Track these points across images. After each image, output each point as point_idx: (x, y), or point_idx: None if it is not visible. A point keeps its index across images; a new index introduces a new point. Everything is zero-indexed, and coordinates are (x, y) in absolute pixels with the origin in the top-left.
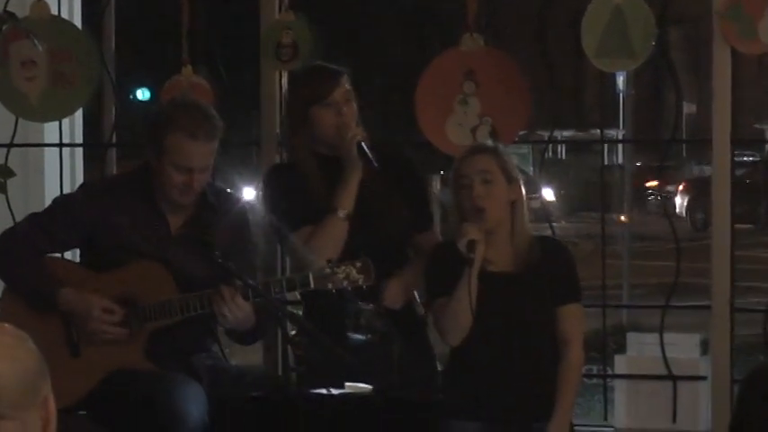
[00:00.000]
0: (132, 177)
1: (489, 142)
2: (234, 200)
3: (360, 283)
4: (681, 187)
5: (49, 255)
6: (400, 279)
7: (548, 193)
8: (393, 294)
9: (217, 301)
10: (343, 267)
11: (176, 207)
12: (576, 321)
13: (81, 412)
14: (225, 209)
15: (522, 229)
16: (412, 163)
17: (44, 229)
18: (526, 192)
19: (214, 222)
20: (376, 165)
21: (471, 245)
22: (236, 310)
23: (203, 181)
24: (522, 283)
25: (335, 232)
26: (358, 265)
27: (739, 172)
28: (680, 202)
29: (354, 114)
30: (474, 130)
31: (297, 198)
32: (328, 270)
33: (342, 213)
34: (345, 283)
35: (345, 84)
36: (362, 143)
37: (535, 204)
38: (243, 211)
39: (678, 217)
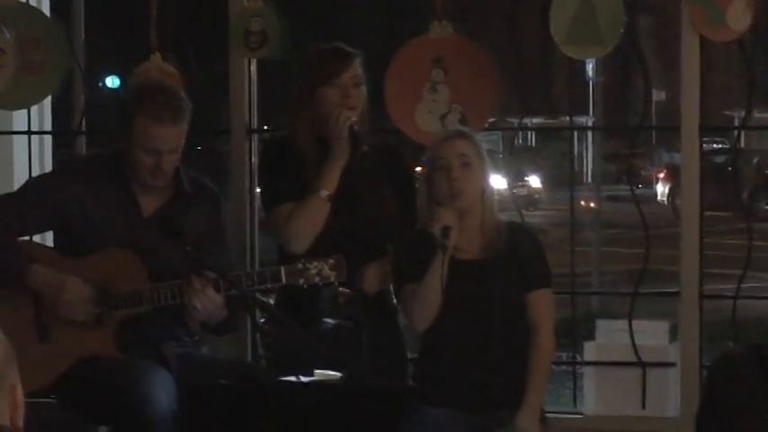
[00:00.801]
0: (105, 159)
1: (465, 129)
2: (209, 190)
3: (332, 279)
4: (662, 175)
5: (21, 238)
6: (380, 266)
7: (534, 181)
8: (372, 279)
9: (188, 293)
10: (316, 263)
11: (149, 191)
12: (545, 306)
13: (49, 398)
14: (199, 198)
15: (491, 216)
16: (402, 157)
17: (16, 209)
18: (514, 179)
19: (187, 211)
20: (366, 149)
21: (446, 230)
22: (207, 302)
23: (173, 162)
24: (491, 269)
25: (315, 212)
26: (330, 261)
27: (720, 159)
28: (661, 189)
29: (362, 99)
30: (443, 118)
31: (286, 174)
32: (300, 266)
33: (323, 194)
34: (317, 279)
35: (357, 67)
36: (355, 128)
37: (521, 192)
38: (217, 202)
39: (659, 204)
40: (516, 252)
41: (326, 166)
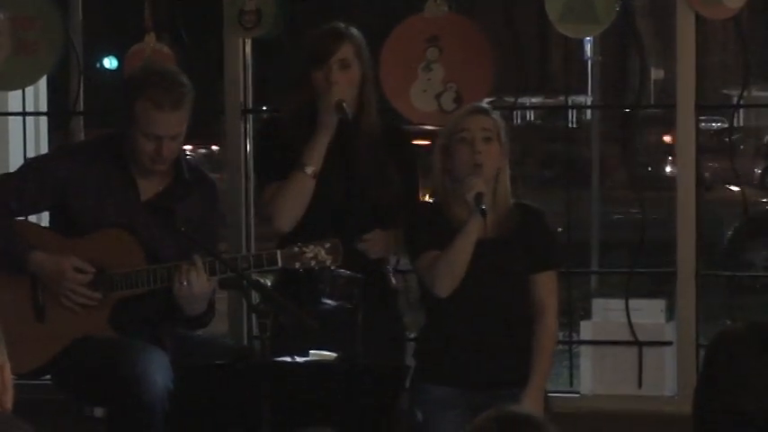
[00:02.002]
0: (106, 142)
1: (488, 107)
2: (207, 181)
3: (328, 263)
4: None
5: (18, 219)
6: (385, 233)
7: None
8: (377, 242)
9: (184, 269)
10: (312, 247)
11: (148, 175)
12: (551, 289)
13: (44, 379)
14: (197, 188)
15: (504, 195)
16: (410, 141)
17: (14, 188)
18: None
19: (185, 199)
20: (349, 119)
21: (479, 197)
22: (197, 282)
23: (174, 149)
24: (500, 249)
25: (300, 188)
26: (327, 245)
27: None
28: (669, 168)
29: (349, 81)
30: (438, 97)
31: (278, 154)
32: (297, 249)
33: (308, 170)
34: (313, 263)
35: (347, 50)
36: (343, 104)
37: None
38: (214, 193)
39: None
40: (526, 233)
41: (311, 143)
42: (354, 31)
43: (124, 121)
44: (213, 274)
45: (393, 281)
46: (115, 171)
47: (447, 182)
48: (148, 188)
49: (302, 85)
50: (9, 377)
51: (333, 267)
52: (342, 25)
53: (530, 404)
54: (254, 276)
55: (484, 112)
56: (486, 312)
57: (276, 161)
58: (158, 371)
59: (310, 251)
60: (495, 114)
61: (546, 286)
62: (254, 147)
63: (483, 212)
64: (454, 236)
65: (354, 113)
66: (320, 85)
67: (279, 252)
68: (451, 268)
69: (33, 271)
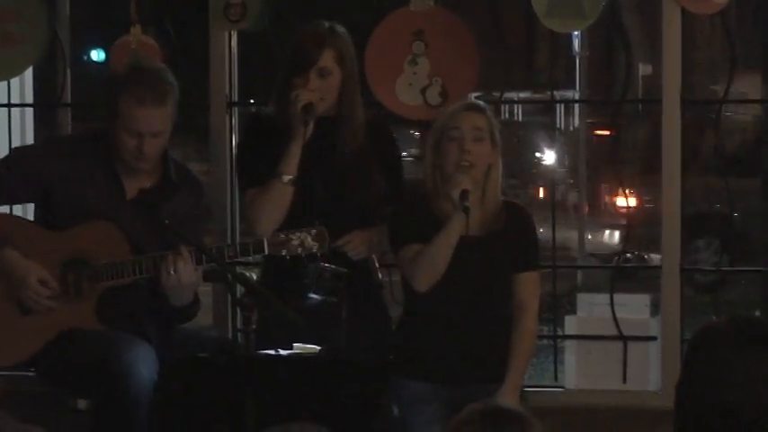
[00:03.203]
0: (93, 137)
1: (482, 103)
2: (193, 180)
3: (314, 250)
4: None
5: (1, 212)
6: (366, 232)
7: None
8: (356, 243)
9: (171, 258)
10: (298, 234)
11: (134, 173)
12: (532, 289)
13: (28, 371)
14: (183, 187)
15: (494, 194)
16: (389, 132)
17: None
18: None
19: (170, 198)
20: (308, 122)
21: (465, 194)
22: (184, 271)
23: (156, 146)
24: (485, 248)
25: (278, 197)
26: (313, 232)
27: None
28: None
29: (327, 89)
30: (424, 91)
31: (260, 156)
32: (283, 236)
33: (285, 178)
34: (300, 250)
35: (328, 57)
36: (310, 107)
37: None
38: (200, 193)
39: None
40: (511, 231)
41: (286, 150)
42: (339, 31)
43: (108, 117)
44: (200, 264)
45: (379, 275)
46: (101, 167)
47: (437, 176)
48: (134, 185)
49: (283, 89)
50: None
51: (320, 256)
52: (326, 26)
53: (506, 402)
54: (239, 270)
55: (477, 109)
56: (466, 309)
57: (256, 165)
58: (144, 363)
59: (296, 238)
60: (490, 111)
61: (528, 286)
62: (239, 146)
63: (466, 210)
64: (439, 230)
65: (335, 115)
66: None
67: (265, 239)
68: (432, 264)
69: (2, 268)
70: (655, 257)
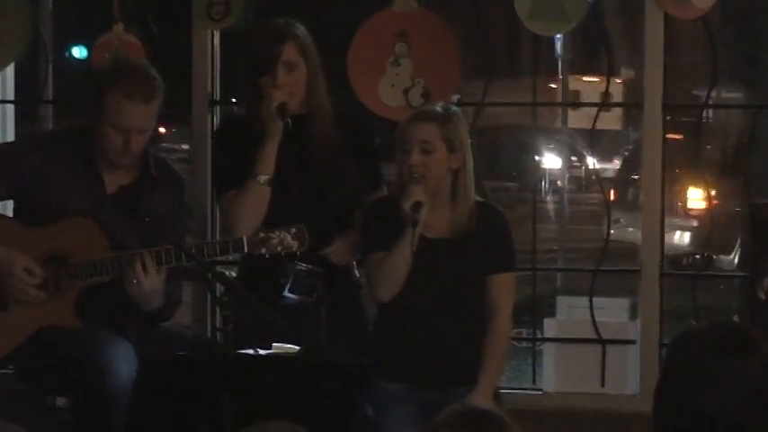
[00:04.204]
0: (74, 134)
1: (439, 107)
2: (174, 176)
3: (294, 249)
4: None
5: None
6: (349, 237)
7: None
8: (339, 250)
9: (132, 265)
10: (278, 233)
11: (115, 169)
12: (506, 291)
13: (6, 369)
14: (163, 182)
15: (464, 197)
16: (364, 120)
17: None
18: (569, 159)
19: (150, 193)
20: (288, 124)
21: (416, 206)
22: (146, 281)
23: (142, 143)
24: (457, 250)
25: (255, 198)
26: (293, 230)
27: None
28: None
29: (295, 83)
30: (406, 92)
31: (236, 158)
32: (262, 235)
33: (261, 179)
34: (279, 248)
35: (290, 51)
36: (284, 106)
37: (577, 173)
38: (180, 188)
39: None
40: (485, 233)
41: (260, 151)
42: (297, 26)
43: (92, 113)
44: (166, 264)
45: (357, 274)
46: (81, 164)
47: (400, 184)
48: (114, 181)
49: (250, 89)
50: None
51: (298, 254)
52: (282, 23)
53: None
54: (219, 269)
55: (426, 119)
56: (439, 311)
57: (231, 169)
58: (123, 361)
59: (276, 237)
60: (446, 116)
61: (502, 288)
62: (213, 149)
63: (414, 223)
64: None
65: (305, 112)
66: (266, 91)
67: (245, 238)
68: (389, 275)
69: None
70: (725, 259)
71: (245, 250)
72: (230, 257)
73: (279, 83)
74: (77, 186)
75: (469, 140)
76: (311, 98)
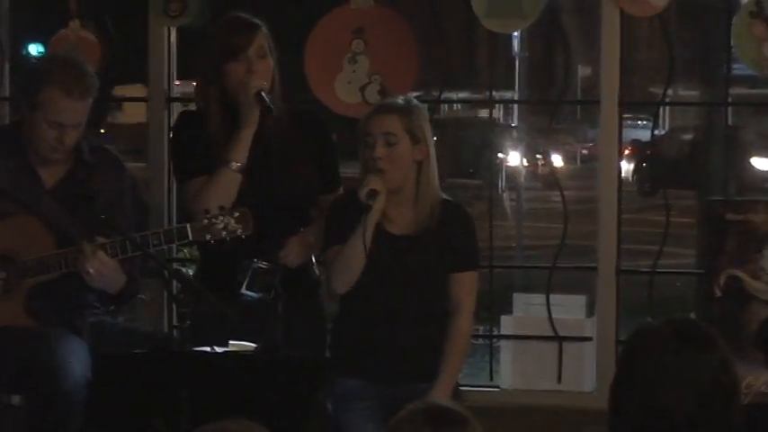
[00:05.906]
0: (3, 131)
1: (401, 100)
2: (111, 158)
3: (239, 233)
4: (627, 151)
5: None
6: (302, 237)
7: (556, 159)
8: (293, 252)
9: (78, 259)
10: (222, 218)
11: (48, 163)
12: (469, 289)
13: None
14: (101, 167)
15: (428, 191)
16: (321, 121)
17: None
18: (534, 156)
19: (89, 180)
20: (273, 110)
21: (372, 193)
22: (100, 266)
23: (75, 138)
24: (419, 246)
25: (226, 184)
26: (236, 214)
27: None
28: (626, 167)
29: (268, 70)
30: (363, 89)
31: (199, 147)
32: (206, 221)
33: (234, 165)
34: (224, 233)
35: (261, 39)
36: (262, 92)
37: (543, 170)
38: (120, 170)
39: (625, 182)
40: (447, 231)
41: (235, 137)
42: (261, 22)
43: (24, 109)
44: (125, 253)
45: (316, 272)
46: (14, 161)
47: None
48: (50, 175)
49: (213, 78)
50: None
51: (243, 236)
52: (248, 16)
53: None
54: (176, 266)
55: (388, 111)
56: (398, 307)
57: (197, 157)
58: (77, 359)
59: (220, 222)
60: (409, 109)
61: (464, 286)
62: (172, 141)
63: (367, 209)
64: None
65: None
66: (238, 77)
67: (189, 225)
68: (345, 265)
69: None
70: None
71: (190, 237)
72: (186, 254)
73: (255, 68)
74: (14, 184)
75: (432, 133)
76: (273, 93)
